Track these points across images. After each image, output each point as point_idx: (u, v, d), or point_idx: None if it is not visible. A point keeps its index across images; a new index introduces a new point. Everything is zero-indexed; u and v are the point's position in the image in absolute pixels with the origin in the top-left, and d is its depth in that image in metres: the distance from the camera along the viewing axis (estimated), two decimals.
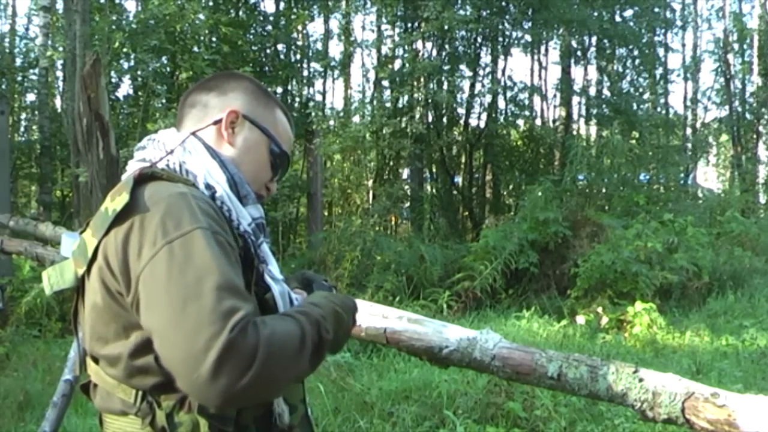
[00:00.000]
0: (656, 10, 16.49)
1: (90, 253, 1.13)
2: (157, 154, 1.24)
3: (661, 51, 18.72)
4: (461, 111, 14.98)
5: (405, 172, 14.81)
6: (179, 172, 1.21)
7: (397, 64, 13.94)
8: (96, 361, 1.17)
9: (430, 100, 13.24)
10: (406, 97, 13.24)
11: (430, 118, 14.06)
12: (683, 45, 20.76)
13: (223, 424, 1.10)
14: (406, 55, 13.35)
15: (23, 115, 15.87)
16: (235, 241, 1.14)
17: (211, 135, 1.28)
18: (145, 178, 1.15)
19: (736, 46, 19.72)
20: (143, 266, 1.04)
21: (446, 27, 12.36)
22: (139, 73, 11.46)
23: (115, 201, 1.12)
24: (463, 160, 15.47)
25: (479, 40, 14.49)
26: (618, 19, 15.78)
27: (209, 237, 1.05)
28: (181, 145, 1.24)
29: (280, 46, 14.55)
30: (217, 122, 1.28)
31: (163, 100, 11.84)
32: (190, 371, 0.96)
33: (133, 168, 1.23)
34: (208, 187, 1.19)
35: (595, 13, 14.71)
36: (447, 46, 14.03)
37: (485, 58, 15.07)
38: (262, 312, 1.15)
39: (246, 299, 1.03)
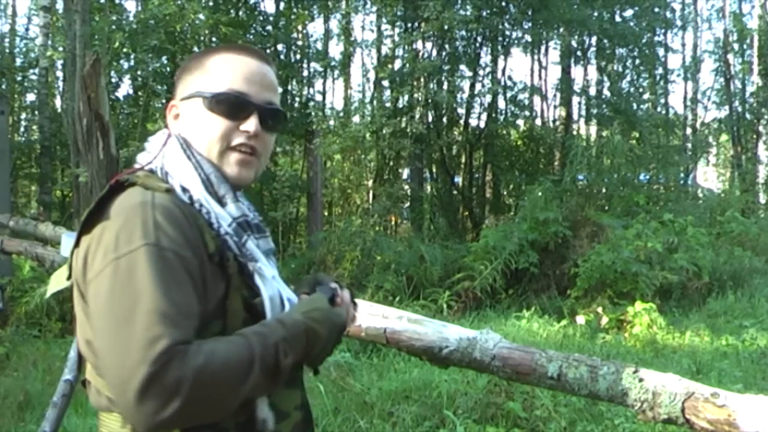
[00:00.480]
0: (656, 10, 16.50)
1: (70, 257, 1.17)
2: (147, 157, 1.24)
3: (661, 51, 18.73)
4: (461, 111, 14.99)
5: (405, 172, 14.81)
6: (161, 174, 1.19)
7: (397, 64, 13.94)
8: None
9: (430, 100, 13.24)
10: (406, 97, 13.24)
11: (430, 118, 14.06)
12: (683, 45, 20.80)
13: (200, 428, 1.08)
14: (406, 55, 13.35)
15: (23, 115, 15.88)
16: (205, 248, 1.11)
17: (172, 132, 1.27)
18: (122, 185, 1.15)
19: (736, 46, 19.73)
20: (92, 279, 1.07)
21: (446, 27, 12.36)
22: (139, 73, 11.47)
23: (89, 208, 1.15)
24: (463, 160, 15.47)
25: (479, 40, 14.49)
26: (618, 19, 15.79)
27: (154, 255, 1.03)
28: (163, 148, 1.23)
29: (280, 46, 14.55)
30: (166, 125, 1.28)
31: (163, 100, 11.84)
32: (118, 395, 0.99)
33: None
34: (184, 190, 1.17)
35: (595, 13, 14.71)
36: (447, 46, 14.03)
37: (485, 58, 15.09)
38: (252, 317, 1.13)
39: (177, 325, 1.00)
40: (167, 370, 0.96)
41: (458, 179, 15.35)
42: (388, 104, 13.34)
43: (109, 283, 1.03)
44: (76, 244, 1.13)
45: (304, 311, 1.16)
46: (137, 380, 0.95)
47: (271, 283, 1.18)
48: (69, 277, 1.17)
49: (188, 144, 1.22)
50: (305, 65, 15.64)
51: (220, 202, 1.18)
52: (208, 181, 1.18)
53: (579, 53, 16.56)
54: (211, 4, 12.50)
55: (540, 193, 9.63)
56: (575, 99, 16.91)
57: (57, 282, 1.26)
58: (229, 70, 1.22)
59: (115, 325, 1.00)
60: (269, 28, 14.09)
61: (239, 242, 1.16)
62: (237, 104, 1.21)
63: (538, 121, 17.24)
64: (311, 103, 14.84)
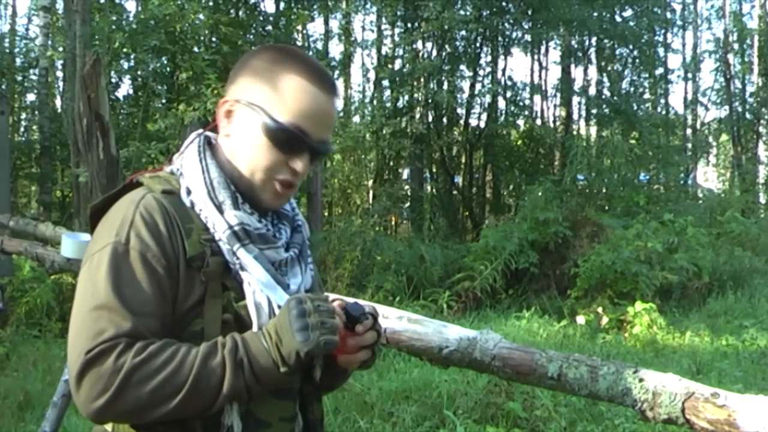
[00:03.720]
0: (656, 10, 16.50)
1: None
2: (176, 158, 1.28)
3: (661, 51, 18.73)
4: (461, 111, 15.00)
5: (405, 172, 14.82)
6: (176, 173, 1.23)
7: (397, 64, 13.95)
8: None
9: (430, 100, 13.24)
10: (406, 97, 13.25)
11: (430, 118, 14.07)
12: (683, 45, 20.80)
13: (167, 424, 1.09)
14: (406, 55, 13.36)
15: (23, 115, 15.85)
16: (183, 252, 1.12)
17: (220, 130, 1.26)
18: (135, 183, 1.22)
19: (736, 46, 19.72)
20: (82, 268, 1.15)
21: (446, 27, 12.37)
22: (139, 73, 11.45)
23: None
24: (463, 160, 15.48)
25: (479, 40, 14.50)
26: (618, 19, 15.79)
27: (118, 253, 1.09)
28: (185, 149, 1.25)
29: None
30: (217, 117, 1.25)
31: (163, 100, 11.83)
32: (70, 379, 1.06)
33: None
34: (188, 192, 1.19)
35: (595, 13, 14.71)
36: (447, 46, 14.04)
37: (485, 58, 15.10)
38: (237, 322, 1.13)
39: (123, 320, 1.04)
40: (103, 360, 1.02)
41: (458, 179, 15.36)
42: (388, 104, 13.35)
43: (83, 276, 1.11)
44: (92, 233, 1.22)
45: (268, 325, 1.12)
46: (77, 368, 1.03)
47: (260, 292, 1.16)
48: None
49: (206, 147, 1.23)
50: None
51: (219, 208, 1.17)
52: (210, 186, 1.18)
53: (579, 53, 16.57)
54: (211, 4, 12.48)
55: (540, 193, 9.63)
56: (575, 99, 16.93)
57: None
58: (298, 101, 1.17)
59: (75, 316, 1.08)
60: (269, 28, 14.07)
61: (230, 250, 1.16)
62: (295, 142, 1.18)
63: (538, 121, 17.25)
64: None
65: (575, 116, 17.30)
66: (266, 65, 1.20)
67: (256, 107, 1.18)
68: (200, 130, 1.28)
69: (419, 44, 13.66)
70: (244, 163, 1.20)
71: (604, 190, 11.43)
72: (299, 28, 14.79)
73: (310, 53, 15.70)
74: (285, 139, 1.17)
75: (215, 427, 1.11)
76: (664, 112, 18.82)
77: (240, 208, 1.19)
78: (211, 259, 1.14)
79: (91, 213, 1.22)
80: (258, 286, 1.16)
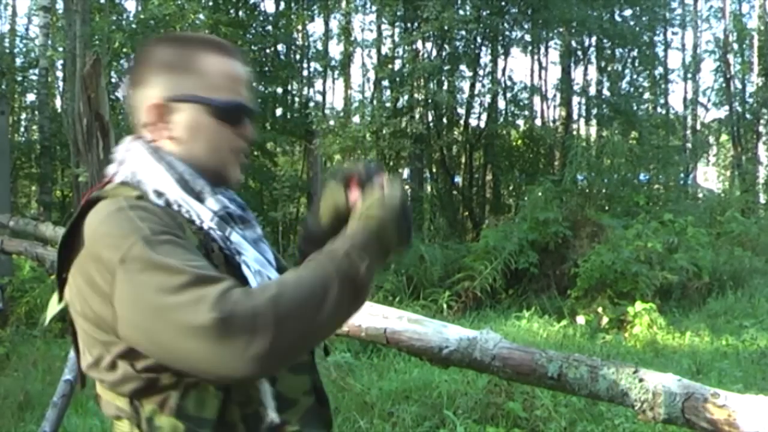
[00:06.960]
0: (656, 10, 16.51)
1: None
2: (113, 167, 1.21)
3: (661, 51, 18.73)
4: (461, 111, 14.99)
5: (405, 172, 14.81)
6: (132, 182, 1.16)
7: (397, 64, 13.94)
8: None
9: (430, 100, 13.24)
10: (406, 97, 13.23)
11: (430, 118, 14.06)
12: (683, 45, 20.78)
13: (200, 426, 1.07)
14: (406, 55, 13.35)
15: (23, 115, 15.88)
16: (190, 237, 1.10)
17: (154, 137, 1.21)
18: (92, 201, 1.12)
19: (736, 46, 19.72)
20: (114, 289, 1.01)
21: (446, 27, 12.35)
22: None
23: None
24: (463, 160, 15.47)
25: (479, 40, 14.49)
26: (618, 18, 15.79)
27: (152, 242, 1.01)
28: (127, 155, 1.20)
29: (280, 46, 14.55)
30: (147, 124, 1.21)
31: None
32: (196, 362, 0.96)
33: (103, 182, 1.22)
34: (159, 194, 1.14)
35: (595, 13, 14.71)
36: (447, 46, 14.03)
37: (485, 58, 15.09)
38: None
39: (217, 277, 0.98)
40: (236, 306, 0.93)
41: (458, 179, 15.35)
42: (388, 104, 13.33)
43: (128, 287, 0.99)
44: (61, 270, 1.11)
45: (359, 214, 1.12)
46: (208, 333, 0.92)
47: (260, 273, 1.17)
48: (60, 300, 1.15)
49: (153, 147, 1.19)
50: (305, 65, 15.64)
51: (198, 197, 1.16)
52: (182, 179, 1.16)
53: (579, 53, 16.56)
54: (211, 4, 12.49)
55: (540, 193, 9.63)
56: (575, 99, 16.92)
57: (52, 308, 1.24)
58: (223, 76, 1.20)
59: (152, 316, 0.97)
60: (269, 28, 14.09)
61: (223, 236, 1.15)
62: (242, 113, 1.22)
63: (538, 121, 17.26)
64: (311, 103, 14.84)
65: (575, 116, 17.31)
66: (173, 56, 1.20)
67: (190, 97, 1.18)
68: (129, 138, 1.23)
69: (419, 44, 13.65)
70: (204, 152, 1.19)
71: (604, 190, 11.42)
72: (299, 28, 14.80)
73: (310, 53, 15.75)
74: (230, 114, 1.20)
75: (254, 417, 1.10)
76: (664, 112, 18.81)
77: (217, 193, 1.19)
78: (213, 244, 1.13)
79: (61, 244, 1.10)
80: (255, 265, 1.16)
